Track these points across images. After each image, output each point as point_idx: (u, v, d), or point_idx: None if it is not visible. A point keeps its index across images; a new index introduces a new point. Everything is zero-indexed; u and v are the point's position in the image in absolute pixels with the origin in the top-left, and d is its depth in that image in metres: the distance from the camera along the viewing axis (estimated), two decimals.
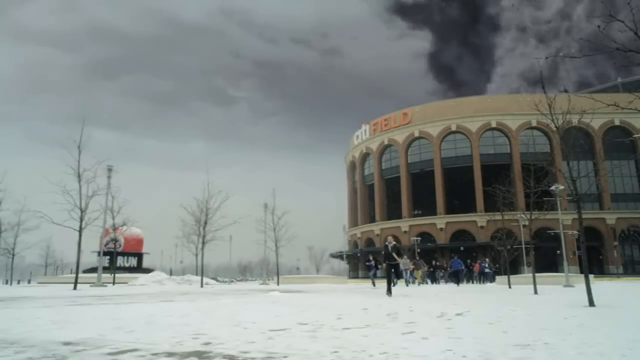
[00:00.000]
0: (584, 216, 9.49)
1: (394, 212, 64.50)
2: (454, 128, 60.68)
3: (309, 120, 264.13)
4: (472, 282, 32.23)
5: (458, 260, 28.11)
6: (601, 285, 19.67)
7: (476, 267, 33.08)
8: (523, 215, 19.32)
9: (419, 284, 28.08)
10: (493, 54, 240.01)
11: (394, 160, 65.83)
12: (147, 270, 38.62)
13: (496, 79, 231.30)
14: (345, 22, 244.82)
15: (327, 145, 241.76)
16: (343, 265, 79.43)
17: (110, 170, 24.11)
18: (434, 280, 32.41)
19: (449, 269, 32.75)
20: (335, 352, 3.45)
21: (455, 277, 27.60)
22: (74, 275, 21.72)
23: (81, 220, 19.66)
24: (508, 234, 24.53)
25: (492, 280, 31.28)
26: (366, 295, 13.31)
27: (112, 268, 33.13)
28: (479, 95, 78.38)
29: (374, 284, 22.86)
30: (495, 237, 26.03)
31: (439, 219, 58.97)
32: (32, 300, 11.02)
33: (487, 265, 32.31)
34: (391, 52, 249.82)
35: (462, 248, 50.86)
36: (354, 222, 73.61)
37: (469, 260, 34.12)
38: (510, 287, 20.16)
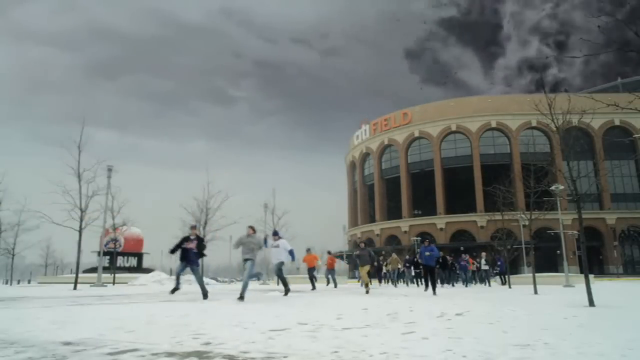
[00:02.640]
0: (584, 216, 9.50)
1: (394, 212, 64.48)
2: (454, 128, 60.68)
3: (308, 120, 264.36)
4: (455, 284, 24.82)
5: (431, 248, 14.32)
6: (601, 285, 19.68)
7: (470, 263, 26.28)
8: (523, 215, 19.33)
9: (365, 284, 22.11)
10: (494, 53, 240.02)
11: (394, 160, 65.83)
12: (147, 270, 38.60)
13: (496, 79, 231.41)
14: (345, 22, 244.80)
15: (327, 145, 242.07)
16: (343, 265, 79.43)
17: (110, 170, 24.12)
18: (417, 279, 25.33)
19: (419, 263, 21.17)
20: (335, 352, 3.45)
21: (429, 275, 14.60)
22: (74, 275, 21.72)
23: (81, 220, 19.66)
24: (508, 234, 24.52)
25: (488, 279, 26.14)
26: (366, 296, 13.31)
27: (112, 268, 33.15)
28: (479, 95, 78.42)
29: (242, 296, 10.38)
30: (495, 237, 26.00)
31: (439, 219, 58.96)
32: (32, 300, 11.01)
33: (496, 263, 26.65)
34: (391, 52, 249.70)
35: (462, 248, 50.84)
36: (354, 222, 73.60)
37: (440, 252, 18.81)
38: (510, 287, 20.17)
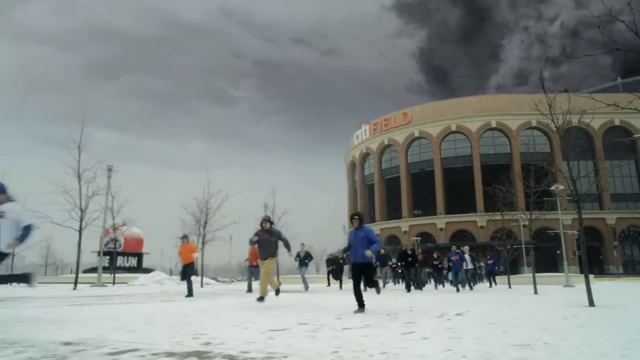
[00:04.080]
0: (584, 216, 9.50)
1: (394, 212, 64.49)
2: (454, 128, 60.69)
3: (308, 120, 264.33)
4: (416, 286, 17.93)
5: (366, 230, 7.56)
6: (601, 285, 19.68)
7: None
8: (523, 215, 19.32)
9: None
10: (493, 53, 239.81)
11: (394, 160, 65.84)
12: (147, 271, 38.59)
13: (495, 79, 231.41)
14: (345, 22, 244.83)
15: (327, 145, 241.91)
16: None
17: (110, 170, 24.11)
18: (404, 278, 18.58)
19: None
20: (335, 352, 3.45)
21: (366, 278, 8.17)
22: (74, 275, 21.73)
23: (81, 220, 19.67)
24: (508, 234, 24.53)
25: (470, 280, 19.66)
26: (366, 296, 13.29)
27: (112, 268, 33.13)
28: (478, 95, 78.44)
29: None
30: (495, 237, 26.01)
31: (439, 219, 58.96)
32: (32, 300, 11.01)
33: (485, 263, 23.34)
34: (391, 52, 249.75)
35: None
36: None
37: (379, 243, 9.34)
38: (510, 287, 20.17)
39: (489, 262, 23.03)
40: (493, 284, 23.16)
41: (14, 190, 6.03)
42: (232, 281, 63.60)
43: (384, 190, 67.03)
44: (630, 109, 6.76)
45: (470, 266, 19.44)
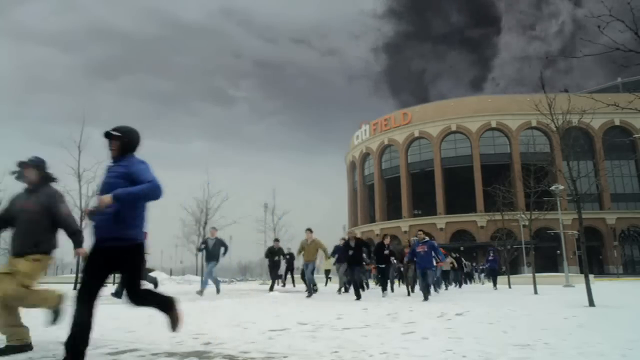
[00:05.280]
0: (584, 216, 9.50)
1: (394, 212, 64.49)
2: (454, 128, 60.67)
3: (308, 120, 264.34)
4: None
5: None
6: (601, 285, 19.67)
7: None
8: (523, 215, 19.31)
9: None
10: (491, 53, 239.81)
11: (394, 160, 65.81)
12: (147, 270, 38.57)
13: (495, 79, 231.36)
14: (345, 22, 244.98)
15: (327, 145, 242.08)
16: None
17: None
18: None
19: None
20: (335, 352, 3.46)
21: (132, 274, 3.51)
22: (74, 275, 21.72)
23: (81, 220, 19.65)
24: (508, 234, 24.51)
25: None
26: (366, 296, 13.30)
27: None
28: (478, 95, 78.52)
29: None
30: (495, 237, 26.01)
31: (439, 219, 58.94)
32: None
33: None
34: (390, 51, 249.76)
35: (462, 248, 50.84)
36: (354, 222, 73.57)
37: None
38: (510, 287, 20.16)
39: (490, 258, 20.51)
40: (494, 284, 19.84)
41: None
42: (233, 281, 63.61)
43: (384, 190, 67.02)
44: (630, 109, 6.75)
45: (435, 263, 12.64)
